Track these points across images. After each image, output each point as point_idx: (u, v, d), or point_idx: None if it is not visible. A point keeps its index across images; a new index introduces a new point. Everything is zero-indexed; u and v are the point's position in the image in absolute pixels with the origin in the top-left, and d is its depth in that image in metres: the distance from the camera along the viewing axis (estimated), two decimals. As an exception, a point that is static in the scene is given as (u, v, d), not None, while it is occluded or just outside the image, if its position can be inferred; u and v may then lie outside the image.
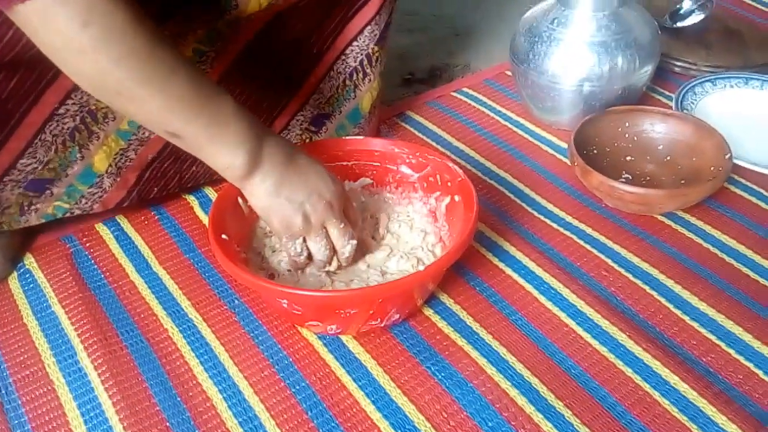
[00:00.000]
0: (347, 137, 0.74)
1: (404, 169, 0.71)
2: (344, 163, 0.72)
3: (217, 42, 0.67)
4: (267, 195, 0.57)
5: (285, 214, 0.58)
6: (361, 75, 0.79)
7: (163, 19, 0.61)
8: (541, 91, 0.86)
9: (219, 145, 0.54)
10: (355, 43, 0.76)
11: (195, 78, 0.52)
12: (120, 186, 0.71)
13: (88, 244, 0.74)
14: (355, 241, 0.62)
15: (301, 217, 0.58)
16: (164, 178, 0.73)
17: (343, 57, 0.77)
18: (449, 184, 0.67)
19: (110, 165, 0.69)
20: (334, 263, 0.63)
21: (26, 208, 0.68)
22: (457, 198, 0.66)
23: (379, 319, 0.60)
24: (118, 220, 0.77)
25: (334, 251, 0.62)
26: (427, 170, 0.69)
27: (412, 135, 0.90)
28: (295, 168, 0.58)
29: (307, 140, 0.81)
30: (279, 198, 0.57)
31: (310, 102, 0.79)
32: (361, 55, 0.77)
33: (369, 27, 0.75)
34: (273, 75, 0.74)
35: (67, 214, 0.70)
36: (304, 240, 0.61)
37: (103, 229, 0.76)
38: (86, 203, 0.71)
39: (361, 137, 0.73)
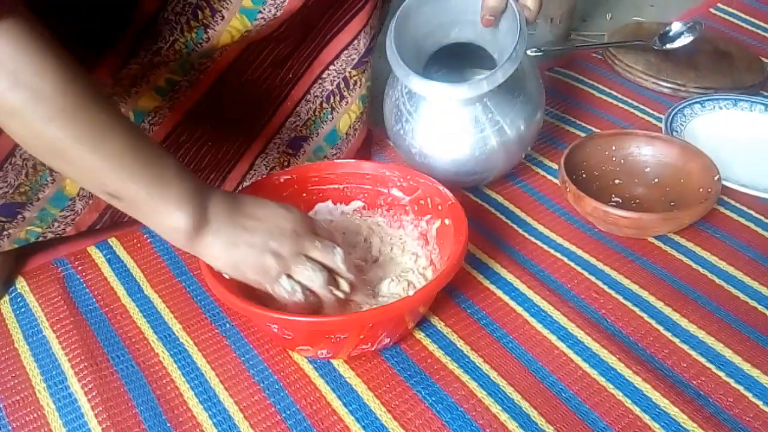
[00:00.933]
0: (339, 160, 0.75)
1: (395, 192, 0.72)
2: (336, 186, 0.73)
3: (189, 72, 0.67)
4: (225, 250, 0.55)
5: (254, 261, 0.56)
6: (338, 98, 0.79)
7: (131, 55, 0.62)
8: (408, 156, 0.80)
9: (161, 206, 0.53)
10: (332, 67, 0.76)
11: (133, 137, 0.51)
12: (92, 208, 0.71)
13: (80, 268, 0.74)
14: (340, 249, 0.59)
15: (270, 256, 0.56)
16: None
17: (320, 81, 0.77)
18: (440, 207, 0.67)
19: (82, 188, 0.69)
20: (343, 284, 0.59)
21: None
22: (447, 221, 0.66)
23: (369, 344, 0.60)
24: (111, 243, 0.77)
25: (328, 270, 0.59)
26: (417, 193, 0.70)
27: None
28: (243, 213, 0.56)
29: (285, 163, 0.81)
30: (239, 248, 0.55)
31: (286, 125, 0.79)
32: (338, 78, 0.77)
33: (346, 51, 0.75)
34: (248, 101, 0.74)
35: (40, 238, 0.70)
36: (289, 277, 0.57)
37: (95, 252, 0.76)
38: (59, 226, 0.71)
39: (353, 161, 0.74)
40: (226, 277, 0.58)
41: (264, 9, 0.63)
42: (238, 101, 0.73)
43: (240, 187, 0.80)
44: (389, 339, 0.62)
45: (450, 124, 0.74)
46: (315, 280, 0.57)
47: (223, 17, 0.62)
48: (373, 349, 0.62)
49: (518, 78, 0.72)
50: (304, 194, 0.73)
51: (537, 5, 0.69)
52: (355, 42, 0.74)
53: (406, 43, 0.72)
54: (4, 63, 0.46)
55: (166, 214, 0.53)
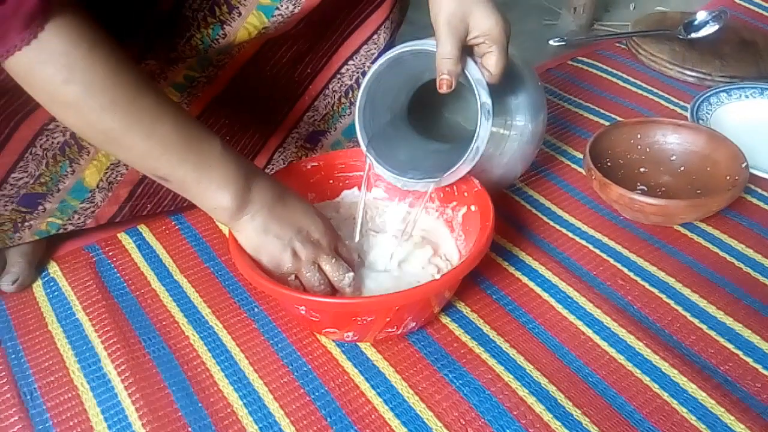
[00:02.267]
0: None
1: None
2: (362, 173, 0.73)
3: (208, 68, 0.67)
4: (256, 233, 0.59)
5: (274, 251, 0.59)
6: (357, 93, 0.79)
7: (147, 50, 0.63)
8: None
9: (206, 187, 0.56)
10: (351, 62, 0.76)
11: (181, 122, 0.54)
12: (112, 201, 0.72)
13: (110, 253, 0.75)
14: (352, 273, 0.62)
15: (290, 254, 0.59)
16: (157, 195, 0.74)
17: (339, 75, 0.77)
18: (466, 194, 0.67)
19: (101, 180, 0.70)
20: (347, 292, 0.63)
21: (20, 224, 0.69)
22: (473, 208, 0.66)
23: (395, 327, 0.61)
24: (140, 230, 0.78)
25: (332, 286, 0.62)
26: None
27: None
28: (283, 207, 0.59)
29: (303, 156, 0.81)
30: (267, 236, 0.59)
31: (304, 119, 0.79)
32: (357, 73, 0.77)
33: (365, 46, 0.75)
34: (266, 95, 0.74)
35: (61, 230, 0.72)
36: (296, 277, 0.61)
37: (125, 238, 0.77)
38: (79, 219, 0.72)
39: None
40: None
41: (281, 6, 0.63)
42: (255, 97, 0.74)
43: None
44: (415, 323, 0.63)
45: None
46: (315, 290, 0.61)
47: (240, 14, 0.62)
48: (399, 332, 0.62)
49: (515, 81, 0.69)
50: (331, 181, 0.73)
51: (500, 67, 0.60)
52: (375, 36, 0.74)
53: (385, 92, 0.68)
54: (57, 58, 0.47)
55: (211, 194, 0.56)
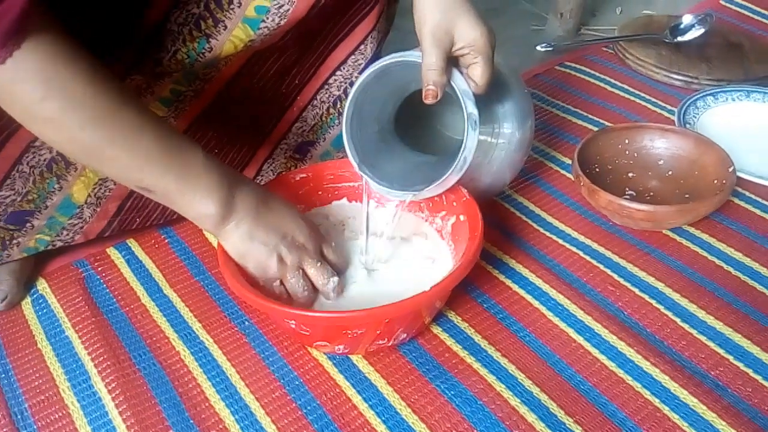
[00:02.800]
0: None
1: None
2: (350, 184, 0.74)
3: (194, 82, 0.67)
4: (241, 240, 0.59)
5: (260, 257, 0.60)
6: (345, 103, 0.79)
7: (133, 66, 0.63)
8: None
9: (190, 197, 0.57)
10: (338, 73, 0.76)
11: (162, 134, 0.54)
12: (100, 216, 0.72)
13: (99, 269, 0.75)
14: (336, 278, 0.63)
15: (275, 259, 0.60)
16: (146, 208, 0.74)
17: (327, 86, 0.76)
18: (454, 203, 0.68)
19: (89, 195, 0.70)
20: (331, 296, 0.64)
21: (8, 242, 0.68)
22: (462, 217, 0.66)
23: (386, 339, 0.61)
24: (129, 244, 0.78)
25: (315, 290, 0.63)
26: None
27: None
28: (267, 212, 0.60)
29: (292, 167, 0.81)
30: (253, 242, 0.59)
31: (293, 130, 0.79)
32: (345, 83, 0.77)
33: (353, 57, 0.74)
34: (254, 107, 0.74)
35: (49, 247, 0.71)
36: (281, 282, 0.62)
37: (114, 253, 0.77)
38: (67, 235, 0.71)
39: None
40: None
41: (267, 18, 0.63)
42: (243, 109, 0.74)
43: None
44: (406, 334, 0.63)
45: None
46: (299, 296, 0.62)
47: (225, 27, 0.62)
48: (390, 344, 0.62)
49: (502, 89, 0.69)
50: (320, 192, 0.73)
51: (485, 77, 0.60)
52: (362, 47, 0.74)
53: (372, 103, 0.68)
54: (36, 73, 0.47)
55: (195, 203, 0.57)
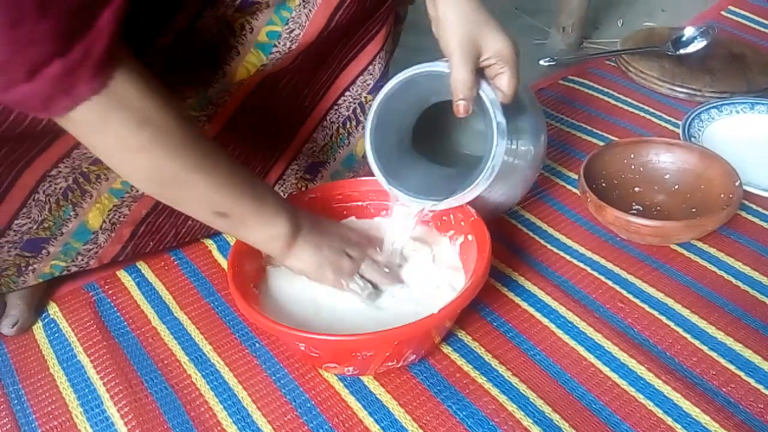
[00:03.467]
0: (362, 178, 0.76)
1: None
2: (359, 204, 0.74)
3: (208, 107, 0.68)
4: (314, 253, 0.63)
5: (333, 261, 0.63)
6: (354, 123, 0.79)
7: None
8: None
9: (265, 218, 0.59)
10: (347, 93, 0.76)
11: (232, 160, 0.57)
12: (115, 241, 0.72)
13: (110, 292, 0.75)
14: (387, 269, 0.67)
15: (345, 258, 0.64)
16: (159, 233, 0.75)
17: (336, 107, 0.77)
18: (462, 223, 0.68)
19: (104, 221, 0.70)
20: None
21: (24, 268, 0.69)
22: (470, 237, 0.67)
23: (395, 360, 0.61)
24: (139, 267, 0.78)
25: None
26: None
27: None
28: (322, 224, 0.65)
29: (303, 188, 0.82)
30: (323, 251, 0.63)
31: (303, 151, 0.80)
32: (354, 104, 0.77)
33: (362, 77, 0.75)
34: (265, 129, 0.75)
35: (64, 272, 0.72)
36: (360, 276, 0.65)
37: (124, 276, 0.77)
38: (82, 260, 0.72)
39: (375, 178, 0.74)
40: (308, 279, 0.65)
41: (279, 43, 0.64)
42: (255, 131, 0.74)
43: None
44: (415, 355, 0.63)
45: None
46: (383, 278, 0.66)
47: (238, 53, 0.63)
48: (399, 366, 0.63)
49: (516, 105, 0.67)
50: (329, 212, 0.74)
51: (512, 87, 0.61)
52: (371, 67, 0.75)
53: (390, 121, 0.69)
54: (133, 102, 0.48)
55: (269, 224, 0.60)
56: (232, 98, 0.69)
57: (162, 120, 0.50)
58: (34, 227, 0.66)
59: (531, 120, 0.70)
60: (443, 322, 0.61)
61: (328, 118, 0.78)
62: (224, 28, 0.62)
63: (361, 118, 0.79)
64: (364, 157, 0.82)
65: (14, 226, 0.65)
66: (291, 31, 0.63)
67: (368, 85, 0.76)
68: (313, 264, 0.63)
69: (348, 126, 0.79)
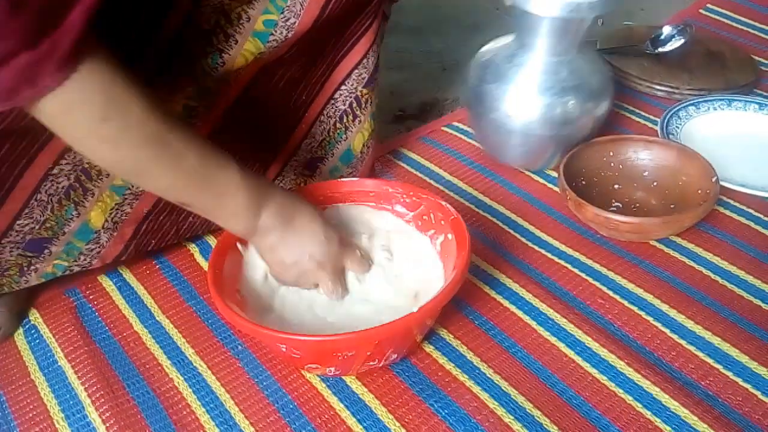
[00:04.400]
0: (342, 179, 0.76)
1: (399, 208, 0.73)
2: (340, 205, 0.74)
3: (206, 97, 0.68)
4: (265, 251, 0.64)
5: (280, 269, 0.64)
6: (351, 117, 0.80)
7: (148, 82, 0.63)
8: (487, 127, 0.87)
9: (223, 212, 0.60)
10: (343, 87, 0.78)
11: (203, 154, 0.57)
12: (117, 240, 0.72)
13: (91, 297, 0.75)
14: (346, 295, 0.66)
15: (293, 274, 0.64)
16: (161, 230, 0.75)
17: (332, 101, 0.78)
18: (443, 222, 0.68)
19: (106, 220, 0.70)
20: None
21: (26, 268, 0.69)
22: (450, 236, 0.67)
23: (377, 360, 0.61)
24: (120, 271, 0.78)
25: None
26: (420, 209, 0.71)
27: (406, 172, 0.92)
28: (291, 230, 0.62)
29: (302, 184, 0.82)
30: (275, 255, 0.63)
31: (302, 147, 0.80)
32: (350, 98, 0.79)
33: (356, 71, 0.77)
34: (264, 124, 0.76)
35: (67, 272, 0.72)
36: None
37: (105, 281, 0.77)
38: (85, 259, 0.72)
39: (356, 179, 0.75)
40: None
41: (276, 31, 0.65)
42: (253, 125, 0.75)
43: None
44: (396, 354, 0.63)
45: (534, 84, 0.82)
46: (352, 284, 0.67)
47: (236, 41, 0.65)
48: (381, 365, 0.63)
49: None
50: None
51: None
52: (365, 61, 0.76)
53: None
54: (97, 94, 0.48)
55: (227, 219, 0.61)
56: (230, 88, 0.70)
57: (128, 115, 0.50)
58: (37, 227, 0.66)
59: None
60: (423, 320, 0.61)
61: (325, 112, 0.79)
62: (222, 17, 0.63)
63: (357, 112, 0.80)
64: (362, 152, 0.83)
65: (16, 227, 0.65)
66: (287, 20, 0.65)
67: (363, 78, 0.77)
68: (264, 257, 0.64)
69: (345, 120, 0.80)
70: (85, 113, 0.49)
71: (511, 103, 0.82)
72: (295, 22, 0.65)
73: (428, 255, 0.70)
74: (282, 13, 0.65)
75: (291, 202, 0.63)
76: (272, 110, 0.75)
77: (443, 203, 0.68)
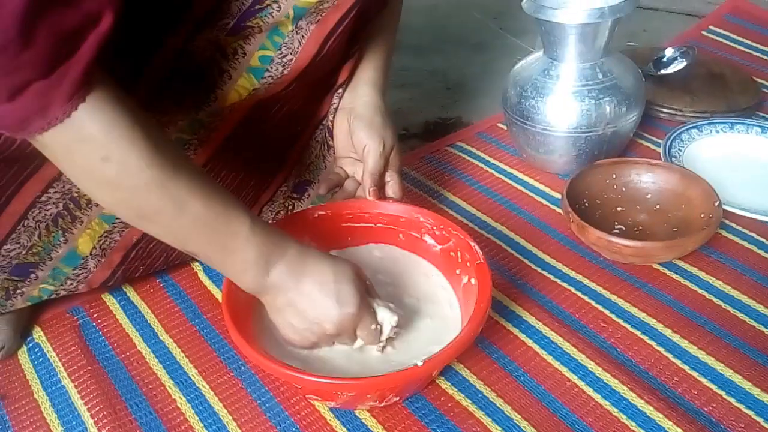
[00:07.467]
0: (374, 200, 0.73)
1: (427, 238, 0.72)
2: (370, 225, 0.73)
3: (199, 130, 0.68)
4: (274, 312, 0.60)
5: (286, 332, 0.61)
6: None
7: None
8: (534, 139, 0.90)
9: (230, 268, 0.58)
10: (331, 109, 0.76)
11: (212, 200, 0.54)
12: (105, 266, 0.72)
13: (95, 315, 0.75)
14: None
15: (299, 339, 0.61)
16: (150, 257, 0.74)
17: (321, 126, 0.78)
18: (468, 264, 0.67)
19: (94, 247, 0.70)
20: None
21: (12, 292, 0.68)
22: (473, 281, 0.65)
23: (377, 401, 0.61)
24: (125, 290, 0.78)
25: None
26: (449, 244, 0.70)
27: (410, 191, 0.92)
28: (300, 293, 0.58)
29: (291, 207, 0.81)
30: (282, 318, 0.60)
31: (293, 172, 0.80)
32: None
33: (340, 92, 0.75)
34: (258, 155, 0.75)
35: (53, 296, 0.71)
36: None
37: (109, 299, 0.77)
38: (71, 284, 0.71)
39: (388, 202, 0.74)
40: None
41: (271, 68, 0.64)
42: (248, 156, 0.74)
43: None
44: (398, 398, 0.62)
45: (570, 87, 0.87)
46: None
47: (230, 77, 0.63)
48: (382, 405, 0.62)
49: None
50: (338, 231, 0.73)
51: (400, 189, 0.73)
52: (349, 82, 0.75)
53: None
54: (96, 136, 0.47)
55: (234, 274, 0.59)
56: (224, 123, 0.69)
57: (128, 157, 0.49)
58: (23, 252, 0.66)
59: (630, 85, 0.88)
60: (428, 373, 0.60)
61: (314, 137, 0.79)
62: (217, 51, 0.62)
63: None
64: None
65: (2, 251, 0.65)
66: (283, 57, 0.63)
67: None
68: (271, 316, 0.61)
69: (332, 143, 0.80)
70: (87, 152, 0.48)
71: (554, 113, 0.87)
72: (291, 59, 0.64)
73: (449, 301, 0.70)
74: (279, 49, 0.63)
75: (302, 259, 0.58)
76: (268, 142, 0.75)
77: (472, 244, 0.67)
